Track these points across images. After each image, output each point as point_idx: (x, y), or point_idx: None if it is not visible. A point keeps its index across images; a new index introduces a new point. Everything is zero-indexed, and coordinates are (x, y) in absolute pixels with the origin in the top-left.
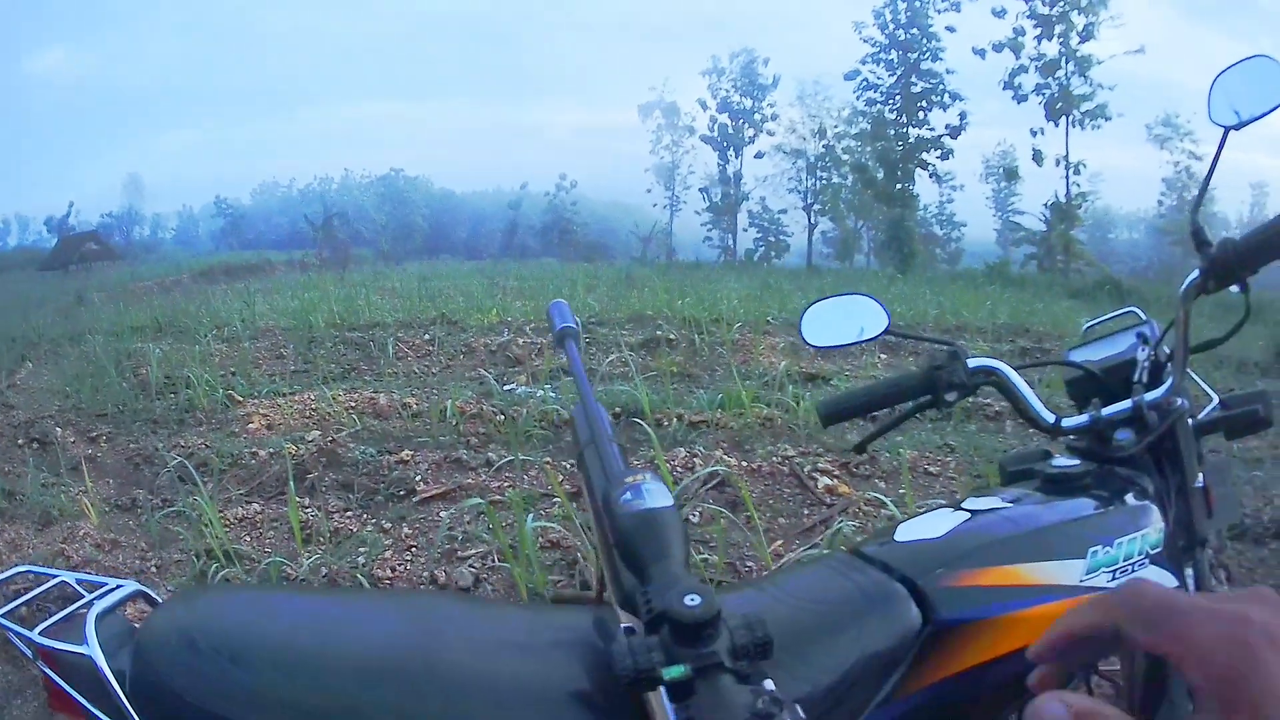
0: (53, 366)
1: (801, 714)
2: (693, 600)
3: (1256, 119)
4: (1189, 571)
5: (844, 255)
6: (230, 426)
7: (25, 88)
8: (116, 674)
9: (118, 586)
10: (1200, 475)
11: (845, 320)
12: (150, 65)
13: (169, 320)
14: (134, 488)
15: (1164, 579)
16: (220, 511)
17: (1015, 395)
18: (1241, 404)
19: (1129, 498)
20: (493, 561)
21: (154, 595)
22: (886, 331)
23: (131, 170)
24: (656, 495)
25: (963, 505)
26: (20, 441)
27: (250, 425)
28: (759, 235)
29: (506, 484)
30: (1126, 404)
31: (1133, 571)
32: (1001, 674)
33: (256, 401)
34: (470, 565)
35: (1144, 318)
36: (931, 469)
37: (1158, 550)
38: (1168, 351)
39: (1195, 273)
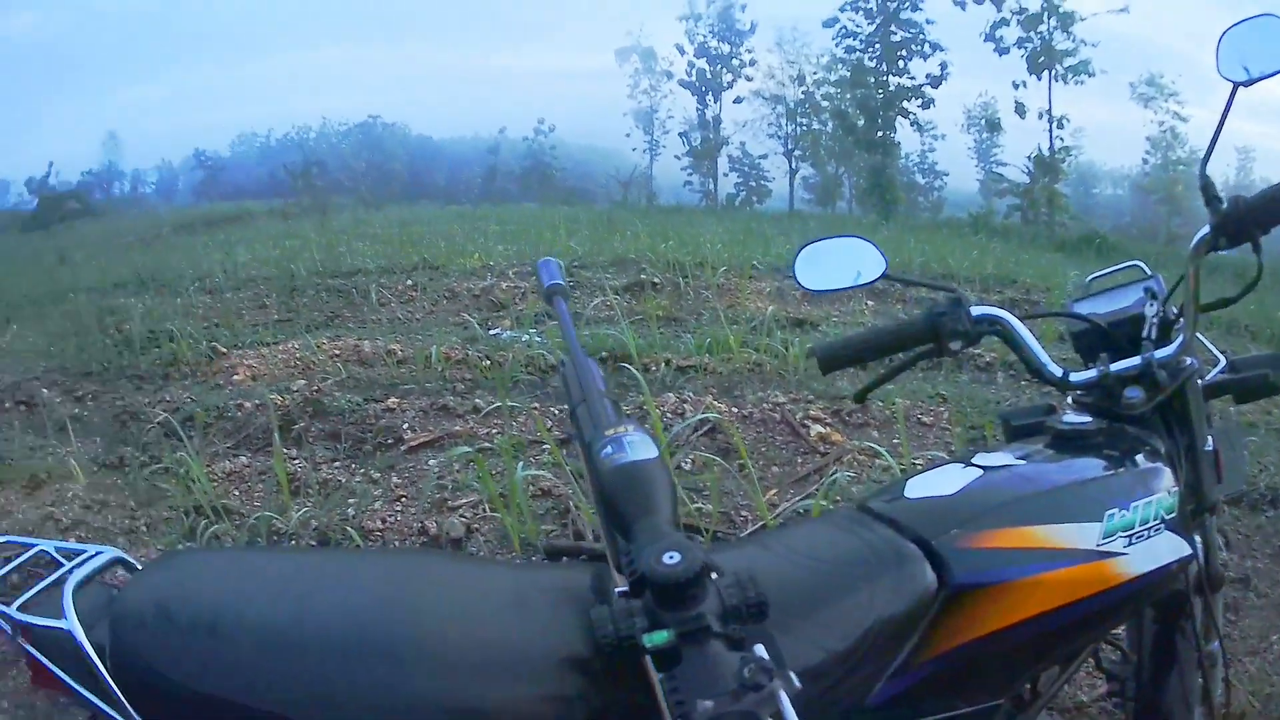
0: (37, 327)
1: (796, 682)
2: (672, 558)
3: (1267, 76)
4: (1197, 538)
5: (825, 201)
6: (215, 379)
7: None
8: (96, 648)
9: (96, 554)
10: (1210, 438)
11: (841, 263)
12: (124, 20)
13: (151, 275)
14: (121, 446)
15: (1177, 546)
16: (207, 466)
17: (1021, 346)
18: (1253, 367)
19: (1140, 458)
20: (483, 511)
21: (132, 561)
22: (884, 276)
23: (110, 127)
24: (639, 447)
25: (973, 461)
26: (7, 405)
27: (235, 376)
28: (739, 180)
29: (494, 430)
30: (1136, 360)
31: (1149, 537)
32: (1017, 639)
33: (241, 352)
34: (461, 515)
35: (1149, 272)
36: (925, 419)
37: (1172, 515)
38: (1175, 309)
39: (1205, 229)
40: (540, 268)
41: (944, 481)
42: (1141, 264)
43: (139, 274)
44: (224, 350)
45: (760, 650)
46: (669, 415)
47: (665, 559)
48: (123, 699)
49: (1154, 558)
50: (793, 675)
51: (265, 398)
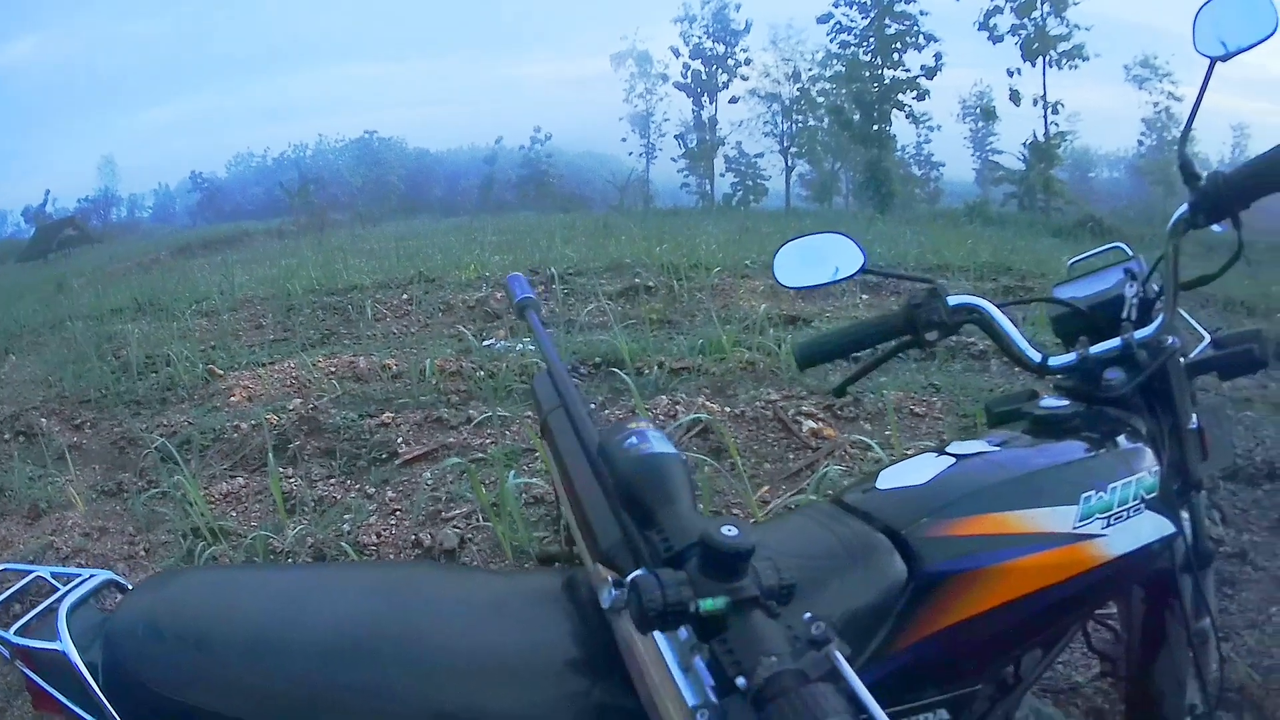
0: (35, 357)
1: (845, 646)
2: (730, 530)
3: (1243, 50)
4: (1185, 515)
5: (822, 197)
6: (212, 401)
7: None
8: (90, 667)
9: (90, 577)
10: (1194, 416)
11: (820, 260)
12: (120, 47)
13: (148, 299)
14: (120, 472)
15: (1160, 525)
16: (204, 488)
17: (999, 333)
18: (1235, 343)
19: (1121, 440)
20: (477, 521)
21: (124, 583)
22: (863, 270)
23: (107, 153)
24: (660, 442)
25: (947, 450)
26: (6, 436)
27: (231, 398)
28: (736, 180)
29: (488, 441)
30: (1115, 342)
31: (1129, 518)
32: (992, 625)
33: (237, 374)
34: (454, 526)
35: (1130, 253)
36: (917, 410)
37: (1153, 495)
38: (1156, 289)
39: (1184, 207)
40: (510, 283)
41: (916, 471)
42: (1123, 245)
43: (136, 299)
44: (220, 372)
45: (808, 616)
46: (661, 417)
47: (724, 530)
48: (116, 717)
49: (1134, 538)
50: (838, 639)
51: (260, 418)
